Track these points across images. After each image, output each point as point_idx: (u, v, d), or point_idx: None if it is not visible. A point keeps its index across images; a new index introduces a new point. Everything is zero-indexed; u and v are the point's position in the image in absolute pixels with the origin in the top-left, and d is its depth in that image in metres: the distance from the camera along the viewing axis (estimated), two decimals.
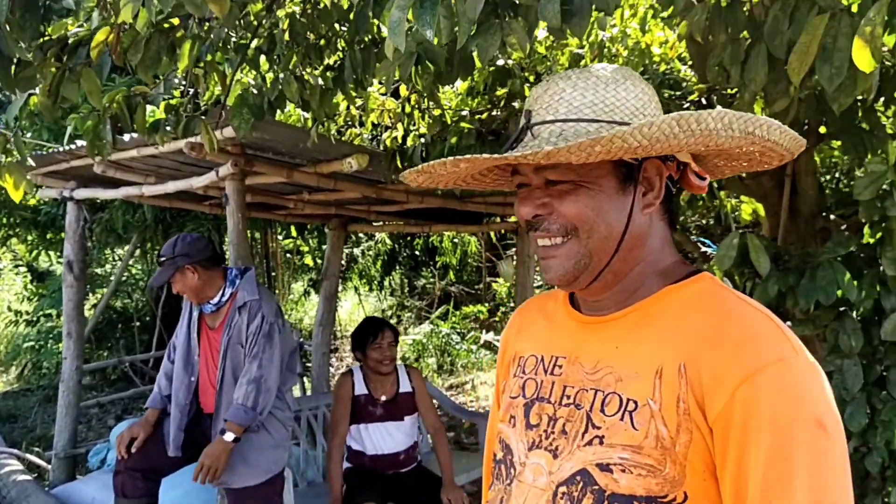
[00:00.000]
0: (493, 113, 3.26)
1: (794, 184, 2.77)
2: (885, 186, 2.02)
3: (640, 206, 0.96)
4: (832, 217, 2.82)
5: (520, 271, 5.18)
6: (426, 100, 3.71)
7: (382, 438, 3.50)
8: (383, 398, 3.53)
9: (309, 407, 4.33)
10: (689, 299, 0.95)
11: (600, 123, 0.92)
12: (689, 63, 3.51)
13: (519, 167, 0.98)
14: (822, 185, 2.99)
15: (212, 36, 2.15)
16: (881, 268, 2.19)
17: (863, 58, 1.25)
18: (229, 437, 2.90)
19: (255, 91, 2.38)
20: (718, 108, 0.86)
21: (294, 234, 8.73)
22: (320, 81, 2.35)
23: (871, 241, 2.31)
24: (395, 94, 4.57)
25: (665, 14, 3.78)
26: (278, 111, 2.53)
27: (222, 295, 3.16)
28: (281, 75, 2.24)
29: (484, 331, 10.18)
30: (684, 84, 3.52)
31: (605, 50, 3.93)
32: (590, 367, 0.98)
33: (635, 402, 0.90)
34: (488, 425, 1.26)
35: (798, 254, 2.48)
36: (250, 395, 2.95)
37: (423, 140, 3.17)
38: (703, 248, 4.40)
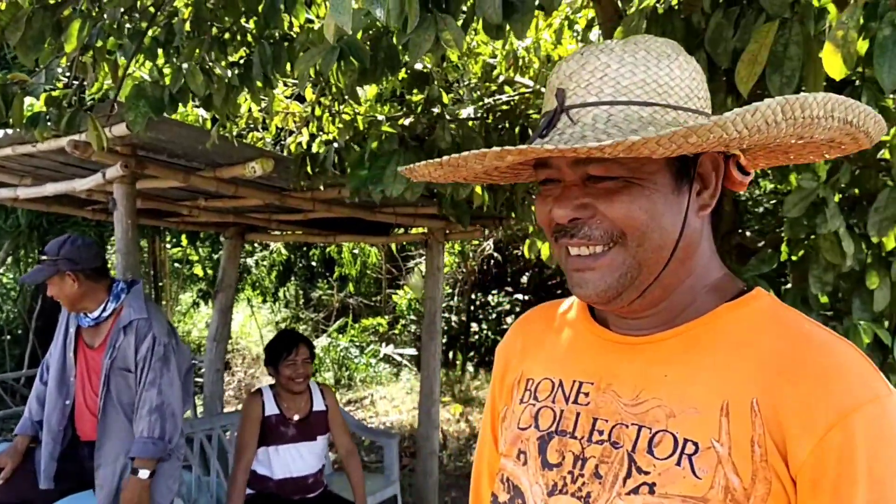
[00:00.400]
0: (412, 119, 3.12)
1: None
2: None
3: (695, 208, 0.82)
4: (748, 234, 2.83)
5: (429, 284, 5.03)
6: (337, 103, 3.53)
7: (293, 460, 3.27)
8: (296, 417, 3.30)
9: (202, 429, 4.03)
10: (751, 321, 0.81)
11: (654, 107, 0.76)
12: None
13: (550, 159, 0.81)
14: (737, 202, 3.02)
15: (104, 17, 1.90)
16: (807, 285, 2.18)
17: (833, 64, 1.18)
18: (144, 474, 2.69)
19: (152, 83, 2.13)
20: (820, 92, 0.71)
21: (185, 242, 8.29)
22: (228, 74, 2.13)
23: (794, 258, 2.30)
24: (300, 98, 4.36)
25: (580, 27, 3.77)
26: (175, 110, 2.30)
27: (104, 310, 2.86)
28: (185, 66, 2.01)
29: (383, 344, 10.00)
30: None
31: (520, 60, 3.87)
32: (629, 398, 0.82)
33: (695, 444, 0.75)
34: (476, 458, 1.09)
35: None
36: (155, 426, 2.72)
37: (335, 145, 2.99)
38: None
